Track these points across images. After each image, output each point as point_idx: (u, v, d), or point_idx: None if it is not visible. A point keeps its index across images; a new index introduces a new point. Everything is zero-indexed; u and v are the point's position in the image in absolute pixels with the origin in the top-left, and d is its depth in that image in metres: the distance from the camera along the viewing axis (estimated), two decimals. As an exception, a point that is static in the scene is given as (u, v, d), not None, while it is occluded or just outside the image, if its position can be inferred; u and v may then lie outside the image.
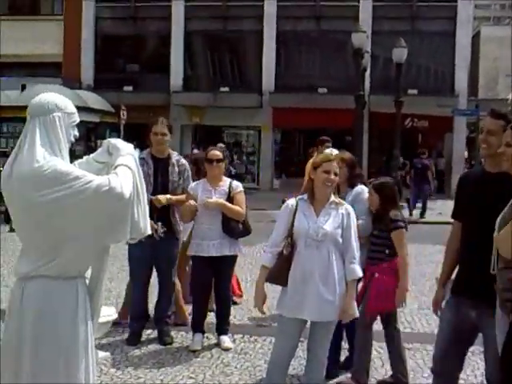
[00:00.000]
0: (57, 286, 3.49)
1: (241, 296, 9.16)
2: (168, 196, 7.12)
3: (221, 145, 25.50)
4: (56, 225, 3.42)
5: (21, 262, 3.55)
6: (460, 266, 4.70)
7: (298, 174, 18.21)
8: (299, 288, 5.05)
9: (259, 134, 31.12)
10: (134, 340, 7.22)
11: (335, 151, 7.69)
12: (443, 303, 4.86)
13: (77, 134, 3.72)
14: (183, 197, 7.16)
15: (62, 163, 3.48)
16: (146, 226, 3.63)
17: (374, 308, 6.00)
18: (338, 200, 5.22)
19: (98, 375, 6.17)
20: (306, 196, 5.23)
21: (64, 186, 3.37)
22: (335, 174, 5.13)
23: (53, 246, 3.46)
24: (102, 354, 4.66)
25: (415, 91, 28.20)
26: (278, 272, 5.12)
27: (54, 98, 3.66)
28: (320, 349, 5.22)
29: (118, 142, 3.80)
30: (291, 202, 5.27)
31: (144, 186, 3.68)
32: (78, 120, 3.72)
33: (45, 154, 3.46)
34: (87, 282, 3.67)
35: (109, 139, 3.89)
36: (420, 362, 6.82)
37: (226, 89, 30.19)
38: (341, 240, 5.09)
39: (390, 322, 6.17)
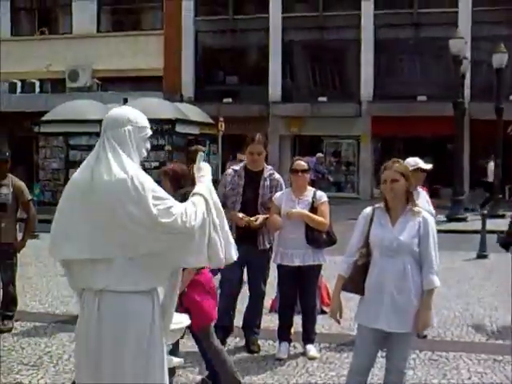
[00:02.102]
0: (133, 299, 3.57)
1: (330, 305, 9.14)
2: (259, 220, 7.21)
3: (320, 154, 25.77)
4: (136, 238, 3.50)
5: (93, 275, 3.60)
6: None
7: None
8: (374, 297, 5.05)
9: (358, 142, 30.95)
10: None
11: (418, 160, 7.70)
12: None
13: (149, 147, 3.83)
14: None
15: (147, 178, 3.59)
16: (230, 254, 3.78)
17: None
18: (416, 209, 5.18)
19: (184, 382, 6.37)
20: (382, 205, 5.23)
21: (147, 202, 3.47)
22: (392, 181, 5.09)
23: (127, 259, 3.53)
24: (175, 359, 4.77)
25: (516, 97, 27.45)
26: (354, 281, 5.15)
27: (126, 111, 3.77)
28: (397, 359, 5.18)
29: (206, 167, 3.95)
30: (367, 210, 5.29)
31: (223, 216, 3.77)
32: (149, 133, 3.81)
33: (124, 165, 3.56)
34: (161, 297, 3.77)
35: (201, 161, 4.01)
36: (509, 375, 6.68)
37: (324, 99, 30.17)
38: (417, 250, 5.05)
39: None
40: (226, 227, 3.79)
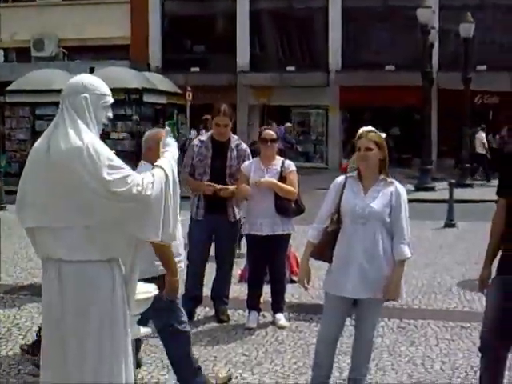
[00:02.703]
0: (91, 268, 3.55)
1: (296, 274, 9.18)
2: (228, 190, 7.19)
3: (288, 124, 25.74)
4: (91, 206, 3.48)
5: (52, 244, 3.58)
6: (505, 245, 4.64)
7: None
8: (343, 265, 5.05)
9: (326, 112, 30.96)
10: None
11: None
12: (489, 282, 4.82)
13: (110, 115, 3.77)
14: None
15: (103, 146, 3.55)
16: (175, 232, 3.73)
17: None
18: (389, 179, 5.17)
19: (154, 351, 6.37)
20: (355, 173, 5.22)
21: (101, 170, 3.45)
22: (367, 149, 5.07)
23: (84, 228, 3.51)
24: (143, 329, 4.74)
25: (484, 67, 27.59)
26: (323, 248, 5.14)
27: (83, 79, 3.71)
28: (366, 327, 5.19)
29: (172, 142, 3.94)
30: (340, 179, 5.27)
31: (178, 193, 3.73)
32: (110, 101, 3.75)
33: (81, 133, 3.53)
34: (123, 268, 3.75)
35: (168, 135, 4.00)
36: (476, 342, 6.74)
37: (293, 68, 30.11)
38: (388, 219, 5.04)
39: None
40: (178, 207, 3.76)
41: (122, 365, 3.65)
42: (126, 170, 3.55)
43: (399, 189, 5.15)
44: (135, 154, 22.07)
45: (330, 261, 5.15)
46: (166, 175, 3.64)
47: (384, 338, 6.82)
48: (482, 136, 24.87)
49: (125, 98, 22.20)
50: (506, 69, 27.36)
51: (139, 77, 24.51)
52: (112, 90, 3.86)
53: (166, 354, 5.48)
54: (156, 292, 4.56)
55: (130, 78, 23.35)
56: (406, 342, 6.78)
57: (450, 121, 27.99)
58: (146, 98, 23.63)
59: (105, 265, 3.60)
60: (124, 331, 3.68)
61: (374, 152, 5.07)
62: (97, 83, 3.72)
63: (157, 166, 3.70)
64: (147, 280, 4.55)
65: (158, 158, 3.83)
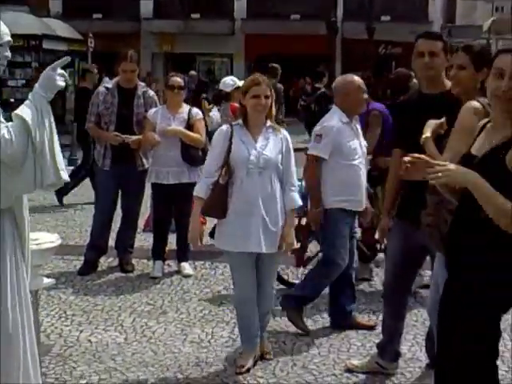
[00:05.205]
0: None
1: (204, 223, 9.12)
2: (133, 138, 7.03)
3: (193, 72, 25.47)
4: None
5: None
6: (403, 191, 4.69)
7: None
8: (243, 220, 4.83)
9: (231, 61, 30.79)
10: (87, 269, 7.20)
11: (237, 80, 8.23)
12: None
13: (8, 54, 3.56)
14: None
15: None
16: (59, 174, 3.56)
17: None
18: (276, 125, 5.06)
19: (57, 303, 6.25)
20: (241, 121, 4.99)
21: None
22: (266, 98, 4.89)
23: None
24: (46, 280, 4.62)
25: (388, 18, 27.89)
26: (215, 203, 4.88)
27: None
28: (267, 281, 5.09)
29: (44, 77, 3.62)
30: (225, 128, 5.02)
31: (54, 134, 3.57)
32: (5, 40, 3.53)
33: None
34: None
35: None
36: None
37: (197, 15, 29.71)
38: (281, 167, 4.93)
39: None
40: (57, 148, 3.59)
41: (6, 307, 3.52)
42: None
43: (286, 135, 5.05)
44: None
45: (223, 216, 4.89)
46: (27, 124, 3.44)
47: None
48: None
49: (23, 44, 21.48)
50: (409, 19, 27.73)
51: (38, 23, 23.71)
52: (10, 36, 3.63)
53: None
54: (59, 242, 4.43)
55: (28, 23, 22.54)
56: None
57: (354, 70, 28.22)
58: (46, 45, 22.89)
59: None
60: (16, 279, 3.56)
61: (270, 100, 4.89)
62: None
63: (16, 115, 3.47)
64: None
65: None
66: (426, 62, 4.48)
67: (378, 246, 6.83)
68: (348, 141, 5.55)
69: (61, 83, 3.60)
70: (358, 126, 5.68)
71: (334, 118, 5.61)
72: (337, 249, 5.54)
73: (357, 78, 5.73)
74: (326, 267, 5.65)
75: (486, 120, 3.45)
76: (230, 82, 8.56)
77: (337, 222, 5.54)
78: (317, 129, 5.63)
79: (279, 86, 15.77)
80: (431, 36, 4.64)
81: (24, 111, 3.49)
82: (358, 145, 5.59)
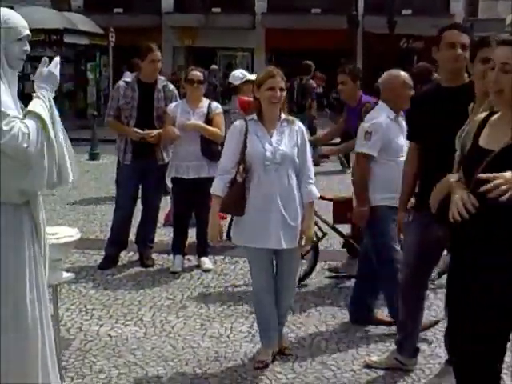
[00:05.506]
0: None
1: (224, 218, 9.12)
2: (154, 135, 7.06)
3: (214, 66, 25.44)
4: None
5: None
6: (422, 184, 4.66)
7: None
8: (261, 217, 4.79)
9: (252, 55, 30.76)
10: (107, 264, 7.22)
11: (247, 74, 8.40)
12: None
13: (27, 48, 3.57)
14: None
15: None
16: (69, 174, 3.61)
17: None
18: (290, 118, 5.00)
19: (77, 297, 6.28)
20: (255, 116, 4.95)
21: None
22: (281, 90, 4.84)
23: None
24: (66, 274, 4.63)
25: (409, 11, 27.74)
26: (234, 201, 4.83)
27: None
28: (288, 276, 5.06)
29: (45, 74, 3.65)
30: (239, 124, 4.96)
31: (61, 134, 3.57)
32: (24, 34, 3.53)
33: None
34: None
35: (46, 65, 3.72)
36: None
37: (218, 9, 29.69)
38: (298, 160, 4.88)
39: None
40: (64, 149, 3.60)
41: (24, 302, 3.53)
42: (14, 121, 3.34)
43: (301, 126, 4.99)
44: (56, 97, 21.63)
45: (242, 213, 4.84)
46: (43, 120, 3.44)
47: (308, 280, 6.84)
48: None
49: (45, 38, 21.54)
50: (431, 13, 27.55)
51: (60, 17, 23.79)
52: (31, 30, 3.65)
53: None
54: (79, 236, 4.44)
55: (50, 18, 22.61)
56: (331, 283, 6.86)
57: (375, 64, 28.13)
58: (67, 39, 22.96)
59: (7, 208, 3.47)
60: (35, 273, 3.57)
61: (284, 92, 4.86)
62: (7, 16, 3.49)
63: (30, 111, 3.46)
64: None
65: None
66: (459, 54, 4.42)
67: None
68: (396, 137, 5.51)
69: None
70: (404, 122, 5.58)
71: (381, 115, 5.54)
72: (389, 246, 5.45)
73: (403, 74, 5.65)
74: (389, 268, 5.43)
75: (486, 113, 3.42)
76: (239, 75, 8.51)
77: (386, 219, 5.42)
78: (366, 126, 5.53)
79: (311, 82, 15.77)
80: (462, 28, 4.60)
81: (37, 108, 3.48)
82: (404, 141, 5.49)
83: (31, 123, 3.40)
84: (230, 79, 8.71)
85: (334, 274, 7.00)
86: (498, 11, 50.28)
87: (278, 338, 5.11)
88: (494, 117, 3.36)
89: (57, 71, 3.66)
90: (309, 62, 13.50)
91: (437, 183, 3.63)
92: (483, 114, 3.44)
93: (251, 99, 7.98)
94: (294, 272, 5.16)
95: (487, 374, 3.33)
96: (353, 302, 5.82)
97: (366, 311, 5.76)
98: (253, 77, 8.48)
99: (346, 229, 7.10)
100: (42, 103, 3.52)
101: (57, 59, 3.74)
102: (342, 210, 6.75)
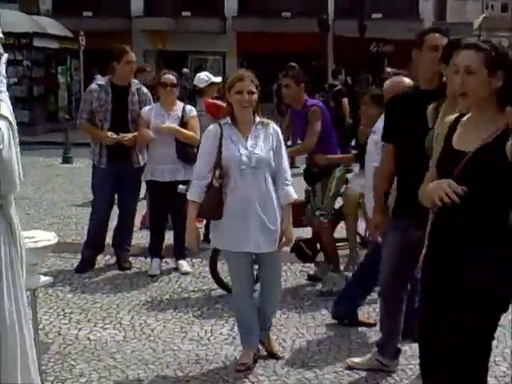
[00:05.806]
0: None
1: (201, 221, 9.11)
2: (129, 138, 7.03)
3: (186, 70, 25.40)
4: None
5: None
6: (399, 188, 4.66)
7: (264, 98, 18.03)
8: (240, 220, 4.77)
9: (224, 59, 30.76)
10: (84, 267, 7.17)
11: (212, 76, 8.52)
12: None
13: (1, 51, 3.52)
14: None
15: None
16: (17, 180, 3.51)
17: None
18: (265, 120, 4.96)
19: (54, 301, 6.22)
20: (229, 120, 4.90)
21: None
22: (250, 93, 4.80)
23: None
24: (43, 278, 4.58)
25: (380, 15, 27.92)
26: (211, 206, 4.79)
27: None
28: (272, 280, 5.05)
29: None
30: (214, 128, 4.91)
31: (16, 137, 3.49)
32: None
33: None
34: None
35: None
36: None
37: (188, 13, 29.66)
38: (274, 163, 4.86)
39: None
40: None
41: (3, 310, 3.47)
42: None
43: (276, 128, 4.96)
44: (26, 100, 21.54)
45: (219, 217, 4.82)
46: (10, 123, 3.39)
47: (287, 282, 6.84)
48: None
49: (14, 42, 21.34)
50: (400, 17, 27.78)
51: (29, 20, 23.59)
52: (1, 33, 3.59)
53: None
54: (56, 240, 4.38)
55: (19, 21, 22.37)
56: (308, 285, 6.87)
57: (346, 68, 28.27)
58: (37, 43, 22.76)
59: None
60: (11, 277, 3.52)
61: (256, 95, 4.82)
62: None
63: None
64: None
65: None
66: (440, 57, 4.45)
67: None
68: None
69: None
70: None
71: None
72: None
73: (406, 80, 5.60)
74: None
75: (456, 115, 3.47)
76: (204, 77, 8.51)
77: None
78: (376, 138, 5.43)
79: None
80: (443, 32, 4.62)
81: (3, 110, 3.42)
82: None
83: (2, 124, 3.36)
84: (195, 82, 8.71)
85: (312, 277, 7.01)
86: (466, 15, 50.85)
87: (258, 341, 5.09)
88: (465, 118, 3.41)
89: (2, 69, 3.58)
90: (293, 64, 13.41)
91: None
92: (453, 116, 3.48)
93: (217, 102, 8.09)
94: (276, 275, 5.13)
95: (474, 366, 3.35)
96: (341, 298, 5.81)
97: (351, 310, 5.76)
98: (217, 79, 8.73)
99: (299, 232, 7.02)
100: (4, 105, 3.45)
101: (3, 57, 3.63)
102: (295, 213, 6.71)
